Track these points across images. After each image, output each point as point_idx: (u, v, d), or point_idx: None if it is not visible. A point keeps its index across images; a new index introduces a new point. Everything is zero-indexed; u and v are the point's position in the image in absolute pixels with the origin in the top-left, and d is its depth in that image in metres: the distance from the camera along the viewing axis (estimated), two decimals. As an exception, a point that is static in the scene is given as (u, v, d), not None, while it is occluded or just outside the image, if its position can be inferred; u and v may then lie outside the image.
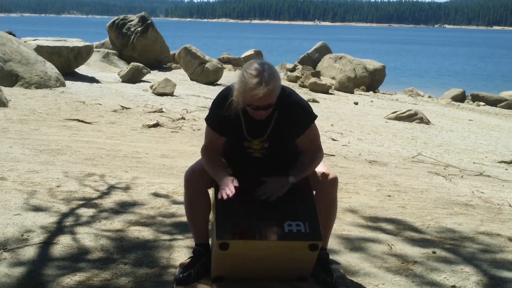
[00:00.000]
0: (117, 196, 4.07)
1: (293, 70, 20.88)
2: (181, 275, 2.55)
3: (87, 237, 3.19)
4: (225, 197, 2.41)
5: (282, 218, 2.43)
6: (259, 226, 2.40)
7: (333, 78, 19.65)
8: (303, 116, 2.58)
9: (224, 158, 2.69)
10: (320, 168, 2.67)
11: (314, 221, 2.45)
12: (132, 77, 14.31)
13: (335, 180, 2.65)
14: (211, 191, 2.66)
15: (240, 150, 2.62)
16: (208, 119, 2.64)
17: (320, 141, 2.69)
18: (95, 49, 16.78)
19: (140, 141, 6.98)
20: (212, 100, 2.68)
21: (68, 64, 14.08)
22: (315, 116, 2.62)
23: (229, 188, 2.44)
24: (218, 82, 16.20)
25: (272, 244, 2.38)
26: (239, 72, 2.46)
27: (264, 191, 2.49)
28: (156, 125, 8.35)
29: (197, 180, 2.61)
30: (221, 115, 2.54)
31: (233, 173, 2.55)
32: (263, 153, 2.61)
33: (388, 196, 4.83)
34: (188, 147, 6.87)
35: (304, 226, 2.41)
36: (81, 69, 15.10)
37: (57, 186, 4.21)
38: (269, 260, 2.46)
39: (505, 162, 8.13)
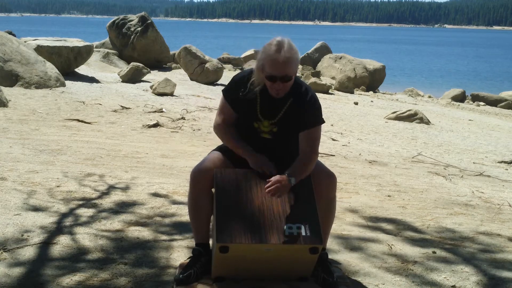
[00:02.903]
0: (117, 196, 4.07)
1: (293, 70, 20.85)
2: (181, 275, 2.54)
3: (86, 237, 3.19)
4: (269, 174, 2.54)
5: (283, 221, 2.42)
6: (259, 229, 2.38)
7: (333, 78, 19.64)
8: (315, 112, 2.64)
9: None
10: (319, 168, 2.67)
11: (315, 224, 2.43)
12: (132, 77, 14.30)
13: (333, 179, 2.66)
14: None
15: (249, 131, 2.68)
16: (225, 92, 2.71)
17: (318, 145, 2.71)
18: (95, 49, 16.76)
19: (140, 141, 6.98)
20: (223, 89, 2.73)
21: (68, 64, 14.07)
22: (323, 120, 2.68)
23: (270, 166, 2.57)
24: (218, 82, 16.18)
25: (272, 247, 2.37)
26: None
27: (270, 184, 2.47)
28: (156, 125, 8.35)
29: (202, 179, 2.61)
30: (239, 93, 2.64)
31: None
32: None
33: (388, 196, 4.83)
34: (188, 147, 6.86)
35: (305, 229, 2.40)
36: (81, 69, 15.09)
37: (57, 186, 4.20)
38: (270, 262, 2.45)
39: (505, 162, 8.12)
